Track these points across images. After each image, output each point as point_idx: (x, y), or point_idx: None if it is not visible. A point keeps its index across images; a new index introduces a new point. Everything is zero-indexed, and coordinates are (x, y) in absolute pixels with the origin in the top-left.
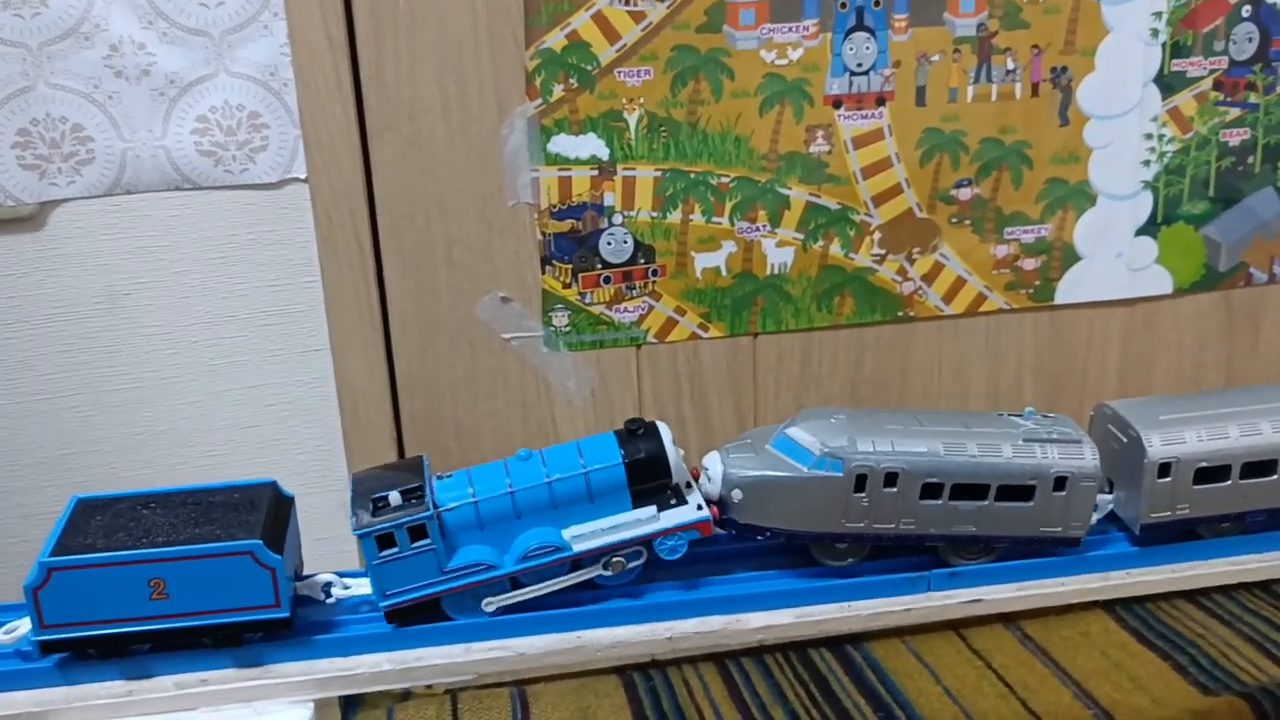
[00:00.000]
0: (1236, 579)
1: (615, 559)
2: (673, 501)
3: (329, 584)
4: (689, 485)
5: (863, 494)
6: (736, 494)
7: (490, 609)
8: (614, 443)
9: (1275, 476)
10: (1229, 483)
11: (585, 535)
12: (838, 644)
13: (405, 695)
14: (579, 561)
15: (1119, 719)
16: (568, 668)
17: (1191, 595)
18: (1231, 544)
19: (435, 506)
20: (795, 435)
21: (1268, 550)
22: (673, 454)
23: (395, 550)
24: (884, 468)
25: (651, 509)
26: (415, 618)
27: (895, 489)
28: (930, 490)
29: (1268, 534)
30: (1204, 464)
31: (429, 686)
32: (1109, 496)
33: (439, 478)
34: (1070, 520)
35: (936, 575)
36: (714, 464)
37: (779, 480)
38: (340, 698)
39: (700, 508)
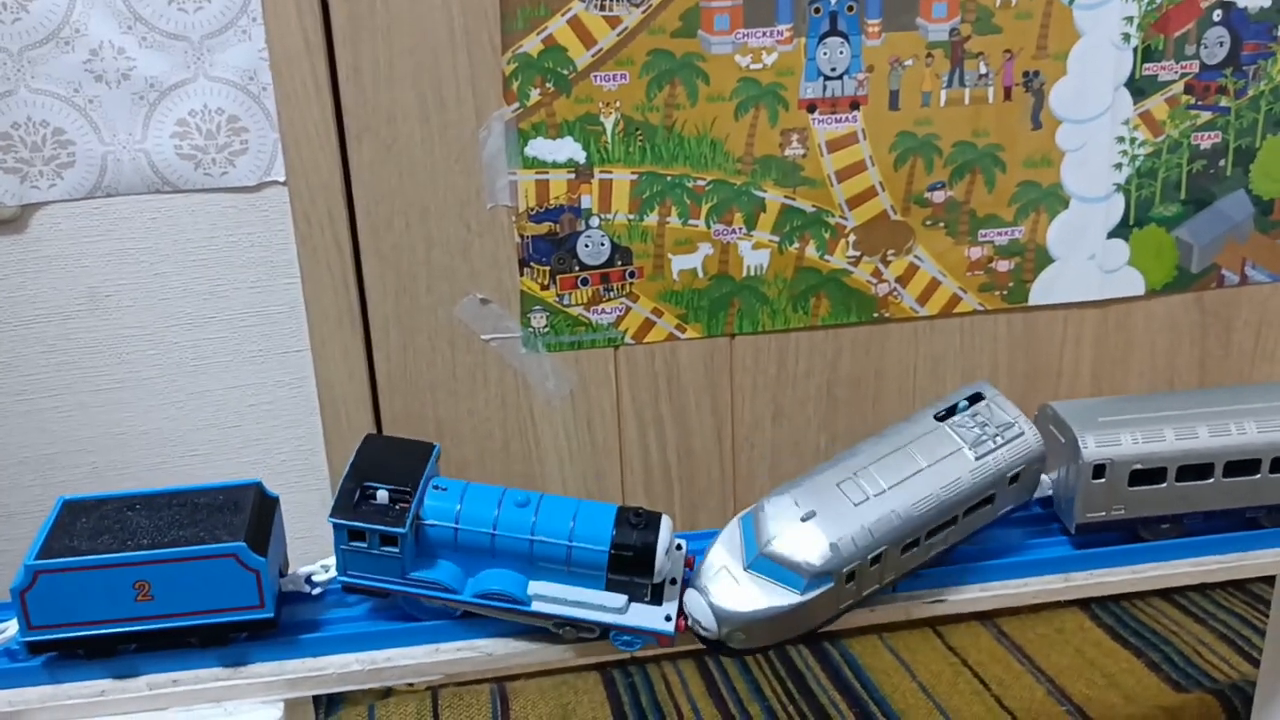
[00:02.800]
0: (1169, 583)
1: (568, 628)
2: (647, 597)
3: (310, 575)
4: (673, 582)
5: (854, 583)
6: (739, 635)
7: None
8: (610, 524)
9: (1212, 480)
10: (1165, 485)
11: (548, 598)
12: (815, 639)
13: (387, 693)
14: (534, 615)
15: (1091, 715)
16: (531, 667)
17: (1167, 593)
18: (1168, 548)
19: (418, 519)
20: (777, 556)
21: (1208, 554)
22: (662, 557)
23: (364, 545)
24: (870, 559)
25: (622, 599)
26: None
27: (880, 564)
28: (909, 545)
29: (1207, 537)
30: (1139, 466)
31: (410, 684)
32: None
33: (435, 486)
34: None
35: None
36: (699, 608)
37: (779, 611)
38: (324, 696)
39: (669, 619)
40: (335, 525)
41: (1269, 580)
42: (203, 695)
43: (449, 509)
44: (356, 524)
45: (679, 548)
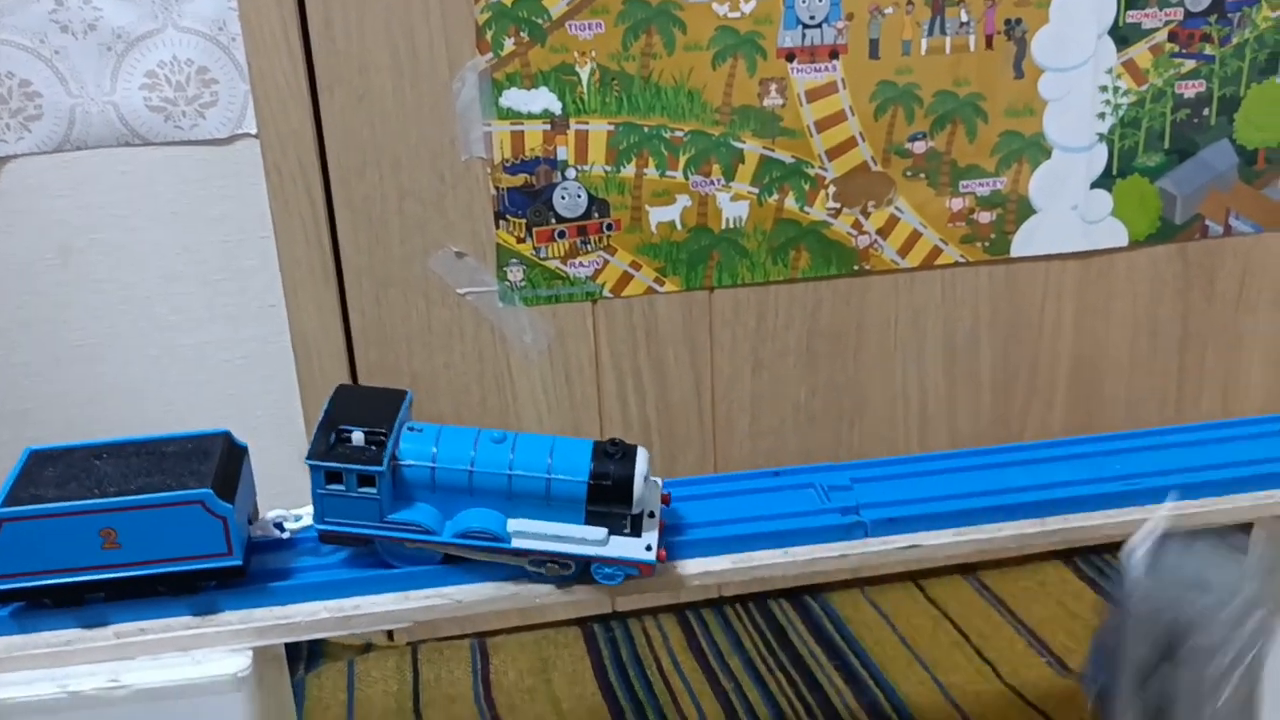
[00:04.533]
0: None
1: (550, 564)
2: (626, 529)
3: (280, 520)
4: (651, 515)
5: None
6: None
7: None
8: (587, 456)
9: None
10: None
11: (528, 534)
12: (796, 595)
13: (366, 648)
14: (515, 552)
15: (1071, 666)
16: (510, 621)
17: None
18: (1144, 492)
19: (394, 459)
20: None
21: (1185, 498)
22: (640, 486)
23: (341, 488)
24: None
25: (603, 531)
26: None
27: None
28: None
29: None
30: None
31: (390, 638)
32: None
33: (410, 428)
34: None
35: (874, 521)
36: None
37: None
38: (304, 652)
39: (649, 548)
40: (312, 467)
41: (1247, 530)
42: (170, 644)
43: (425, 449)
44: (333, 465)
45: (656, 483)
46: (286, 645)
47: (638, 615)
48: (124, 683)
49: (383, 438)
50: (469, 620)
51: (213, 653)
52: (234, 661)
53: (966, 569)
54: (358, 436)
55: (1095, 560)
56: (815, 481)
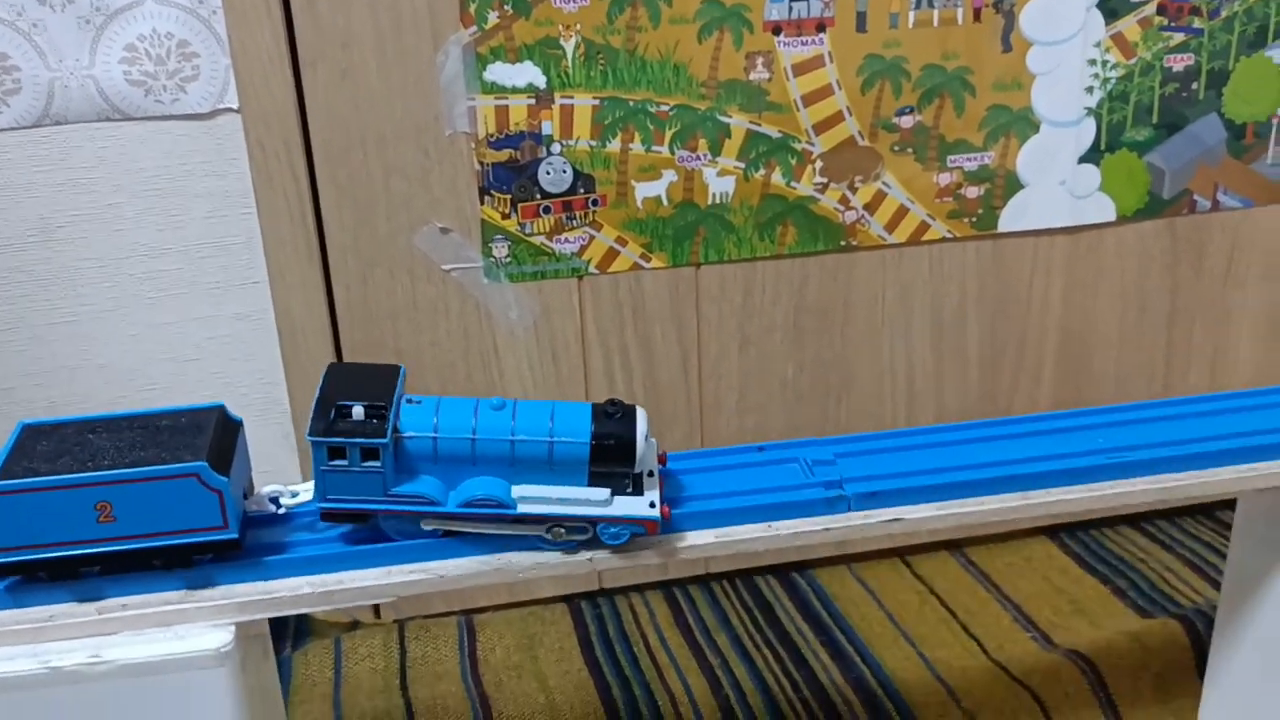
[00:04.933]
0: (1126, 500)
1: (557, 528)
2: (629, 489)
3: (276, 496)
4: (651, 474)
5: None
6: None
7: (428, 527)
8: (587, 418)
9: None
10: None
11: (533, 499)
12: (784, 571)
13: (353, 625)
14: (521, 518)
15: (1057, 641)
16: (498, 598)
17: (1134, 521)
18: (1128, 465)
19: (396, 431)
20: None
21: (1167, 471)
22: (642, 444)
23: (344, 463)
24: None
25: (606, 492)
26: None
27: None
28: None
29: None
30: None
31: (377, 615)
32: None
33: (408, 400)
34: None
35: (857, 495)
36: None
37: None
38: (291, 629)
39: (652, 505)
40: (314, 443)
41: (1234, 505)
42: (152, 619)
43: (426, 420)
44: (336, 440)
45: (654, 443)
46: (273, 622)
47: (624, 592)
48: (105, 658)
49: (384, 411)
50: (456, 597)
51: (196, 628)
52: (217, 636)
53: (953, 545)
54: (358, 411)
55: (1082, 536)
56: (799, 456)
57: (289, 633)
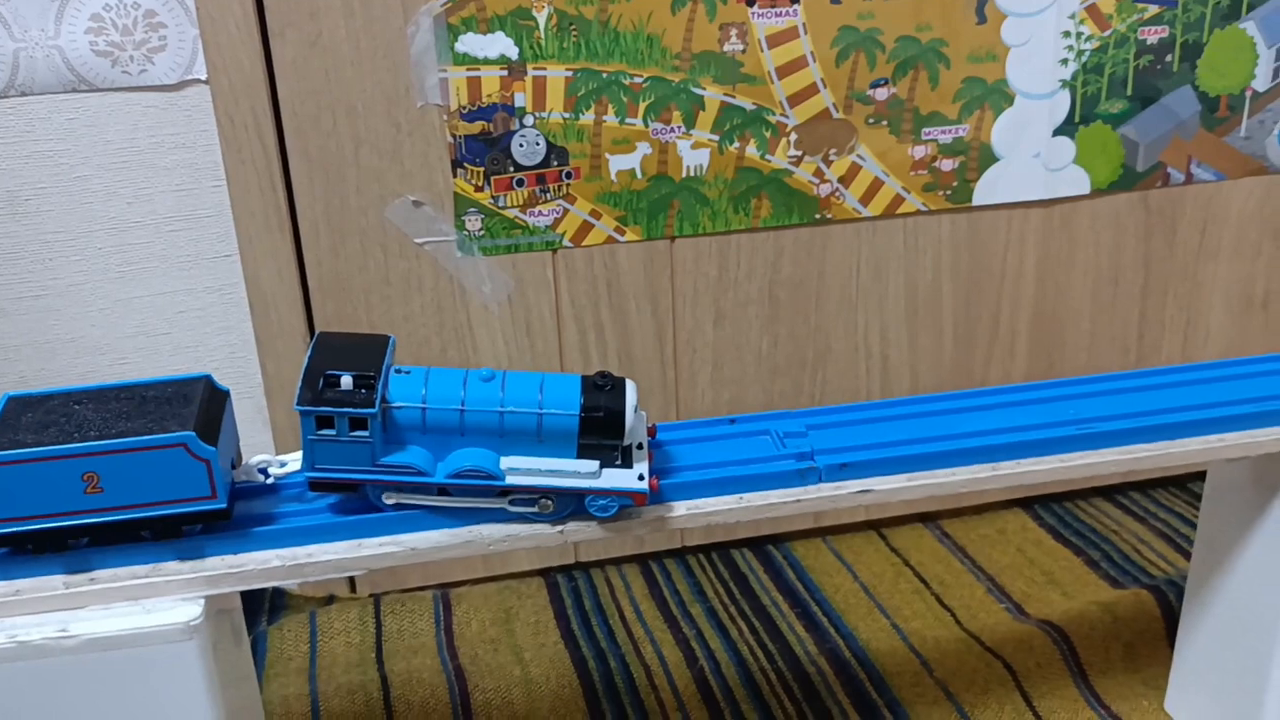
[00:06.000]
0: (1095, 471)
1: (545, 500)
2: (617, 461)
3: (264, 466)
4: (640, 447)
5: None
6: None
7: (390, 502)
8: (577, 390)
9: None
10: None
11: (522, 470)
12: (759, 544)
13: (329, 599)
14: (510, 490)
15: (1029, 611)
16: (475, 572)
17: (1108, 493)
18: (1095, 436)
19: (384, 401)
20: None
21: (1136, 442)
22: (631, 416)
23: (333, 433)
24: None
25: (594, 464)
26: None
27: None
28: None
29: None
30: None
31: (353, 589)
32: None
33: (397, 371)
34: None
35: (828, 467)
36: None
37: None
38: (266, 603)
39: (641, 478)
40: (302, 413)
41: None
42: (121, 593)
43: (415, 391)
44: (325, 409)
45: (643, 415)
46: (249, 597)
47: (600, 565)
48: (73, 632)
49: (372, 381)
50: (432, 571)
51: (166, 602)
52: (186, 611)
53: (928, 517)
54: (346, 381)
55: (1056, 508)
56: (771, 428)
57: (264, 607)
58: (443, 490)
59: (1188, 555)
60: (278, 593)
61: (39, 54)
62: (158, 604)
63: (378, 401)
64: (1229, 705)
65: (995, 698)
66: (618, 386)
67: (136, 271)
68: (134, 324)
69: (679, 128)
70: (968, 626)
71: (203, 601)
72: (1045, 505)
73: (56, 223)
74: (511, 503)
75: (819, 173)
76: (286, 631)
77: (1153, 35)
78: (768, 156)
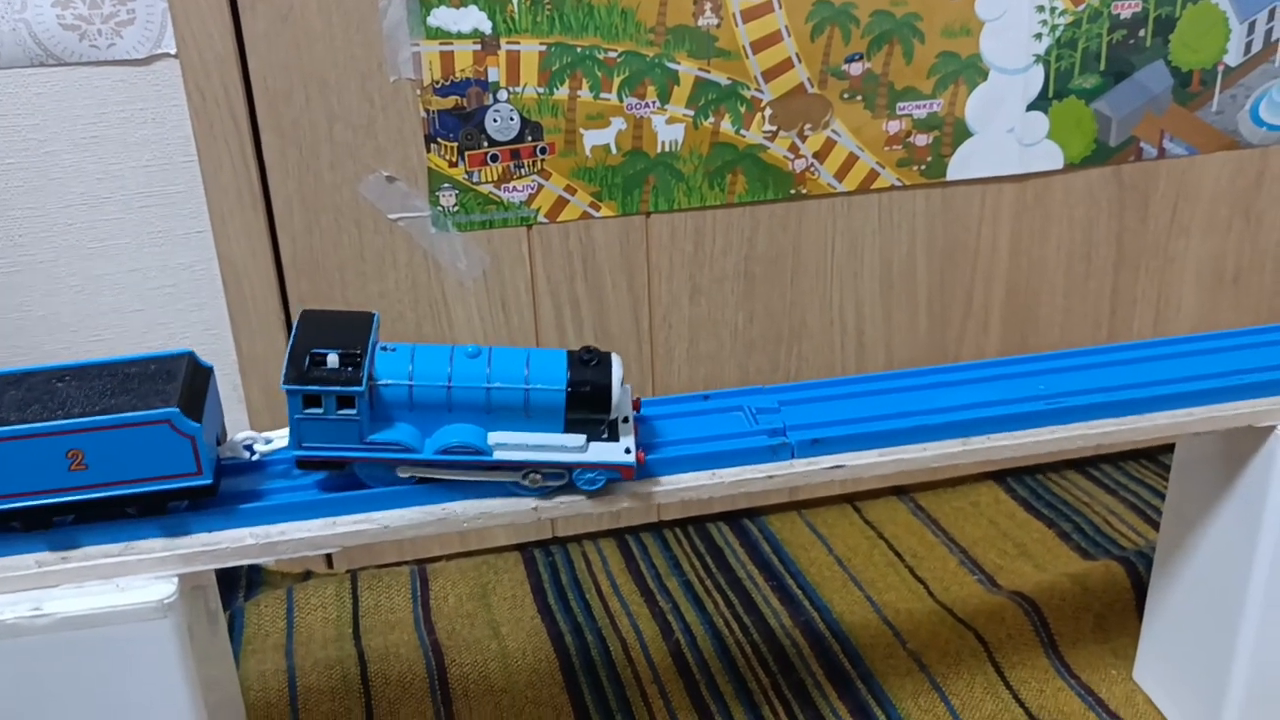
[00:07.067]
0: (1063, 445)
1: (533, 474)
2: (604, 435)
3: (249, 443)
4: (626, 420)
5: None
6: None
7: (404, 475)
8: (563, 365)
9: None
10: None
11: (509, 445)
12: (735, 518)
13: (306, 575)
14: (497, 465)
15: (1001, 583)
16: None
17: (1080, 465)
18: (1066, 410)
19: (371, 379)
20: None
21: (1103, 417)
22: (617, 390)
23: (319, 411)
24: None
25: (581, 438)
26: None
27: None
28: None
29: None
30: None
31: (330, 565)
32: None
33: (383, 348)
34: None
35: (800, 443)
36: None
37: None
38: (244, 579)
39: (628, 451)
40: (289, 392)
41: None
42: (94, 571)
43: (402, 368)
44: (311, 388)
45: (628, 389)
46: (225, 573)
47: (577, 540)
48: (46, 611)
49: (358, 358)
50: (408, 547)
51: (139, 580)
52: (160, 589)
53: (902, 491)
54: (332, 359)
55: (1028, 481)
56: (744, 404)
57: (241, 583)
58: (429, 466)
59: (1157, 526)
60: (254, 569)
61: (5, 27)
62: (132, 582)
63: (364, 379)
64: (1196, 675)
65: (967, 669)
66: (604, 361)
67: (108, 248)
68: (107, 301)
69: (654, 103)
70: (941, 599)
71: (176, 579)
72: (1018, 478)
73: (26, 199)
74: (503, 476)
75: (794, 148)
76: (263, 607)
77: (1126, 10)
78: (743, 132)
